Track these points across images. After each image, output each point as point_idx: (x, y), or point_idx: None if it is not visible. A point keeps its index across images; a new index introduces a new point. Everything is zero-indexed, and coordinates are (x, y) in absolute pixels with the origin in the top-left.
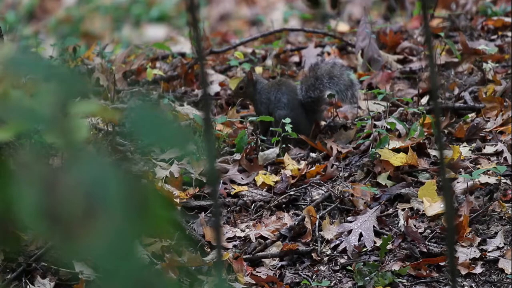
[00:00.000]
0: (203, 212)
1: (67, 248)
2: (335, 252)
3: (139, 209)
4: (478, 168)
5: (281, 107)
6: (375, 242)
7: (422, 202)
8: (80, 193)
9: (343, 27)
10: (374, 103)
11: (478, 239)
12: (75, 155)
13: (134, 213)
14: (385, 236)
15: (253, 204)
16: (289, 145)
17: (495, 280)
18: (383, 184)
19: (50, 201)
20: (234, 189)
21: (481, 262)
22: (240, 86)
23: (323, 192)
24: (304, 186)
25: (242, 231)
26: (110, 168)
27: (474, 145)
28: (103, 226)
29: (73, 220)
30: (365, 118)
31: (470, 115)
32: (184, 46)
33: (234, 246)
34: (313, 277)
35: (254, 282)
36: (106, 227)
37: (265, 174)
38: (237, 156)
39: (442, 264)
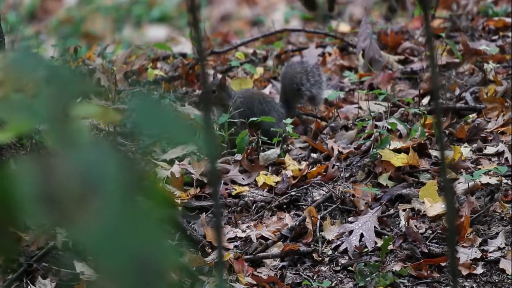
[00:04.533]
0: (204, 213)
1: (65, 230)
2: (336, 253)
3: (136, 189)
4: (479, 169)
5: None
6: (376, 243)
7: (423, 202)
8: (77, 176)
9: (344, 27)
10: (375, 103)
11: (479, 240)
12: (72, 139)
13: (132, 194)
14: (386, 236)
15: (254, 205)
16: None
17: (496, 280)
18: (384, 184)
19: (48, 185)
20: (235, 190)
21: (482, 263)
22: (212, 89)
23: (324, 192)
24: (305, 186)
25: (243, 231)
26: (106, 151)
27: (475, 145)
28: (100, 208)
29: (70, 203)
30: (366, 119)
31: (471, 116)
32: (185, 46)
33: (235, 246)
34: (314, 278)
35: (255, 283)
36: (104, 209)
37: (266, 175)
38: (238, 157)
39: (443, 264)
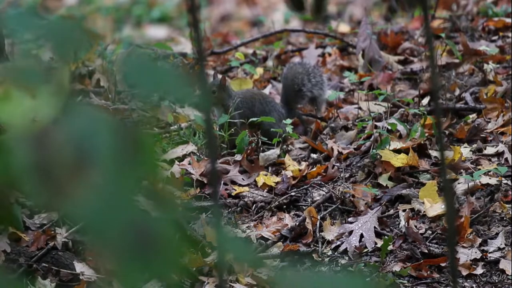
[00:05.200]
0: (204, 213)
1: (58, 203)
2: (336, 253)
3: (131, 158)
4: (479, 169)
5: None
6: (376, 243)
7: (423, 203)
8: (71, 146)
9: (344, 28)
10: (375, 104)
11: (479, 240)
12: (66, 107)
13: (127, 163)
14: (386, 237)
15: (254, 205)
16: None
17: (496, 281)
18: (384, 185)
19: (41, 155)
20: (235, 190)
21: (482, 263)
22: (212, 90)
23: (324, 193)
24: (305, 187)
25: (243, 231)
26: (101, 119)
27: (475, 146)
28: (94, 178)
29: (64, 174)
30: (366, 119)
31: (471, 116)
32: (185, 46)
33: None
34: None
35: (255, 283)
36: (98, 179)
37: (266, 175)
38: (238, 157)
39: (443, 265)
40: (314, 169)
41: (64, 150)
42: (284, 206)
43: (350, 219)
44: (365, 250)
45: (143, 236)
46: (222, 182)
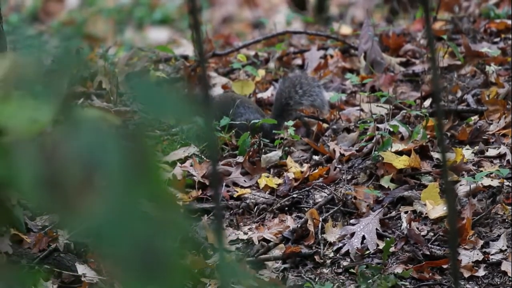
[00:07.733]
0: (205, 215)
1: (66, 217)
2: (338, 255)
3: (139, 174)
4: (481, 171)
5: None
6: (378, 245)
7: (425, 204)
8: (79, 160)
9: (346, 29)
10: (377, 105)
11: (481, 242)
12: (74, 121)
13: (134, 178)
14: (388, 238)
15: (256, 207)
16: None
17: (498, 283)
18: (386, 186)
19: (49, 170)
20: (237, 192)
21: (484, 265)
22: None
23: (326, 194)
24: (307, 188)
25: (245, 233)
26: (109, 134)
27: (476, 147)
28: (102, 193)
29: (72, 188)
30: (368, 121)
31: (472, 118)
32: (187, 48)
33: (237, 248)
34: (316, 280)
35: (257, 285)
36: (106, 194)
37: (268, 177)
38: (240, 159)
39: (445, 266)
40: (316, 171)
41: (72, 166)
42: (286, 208)
43: (352, 221)
44: (367, 252)
45: (150, 255)
46: (224, 184)
